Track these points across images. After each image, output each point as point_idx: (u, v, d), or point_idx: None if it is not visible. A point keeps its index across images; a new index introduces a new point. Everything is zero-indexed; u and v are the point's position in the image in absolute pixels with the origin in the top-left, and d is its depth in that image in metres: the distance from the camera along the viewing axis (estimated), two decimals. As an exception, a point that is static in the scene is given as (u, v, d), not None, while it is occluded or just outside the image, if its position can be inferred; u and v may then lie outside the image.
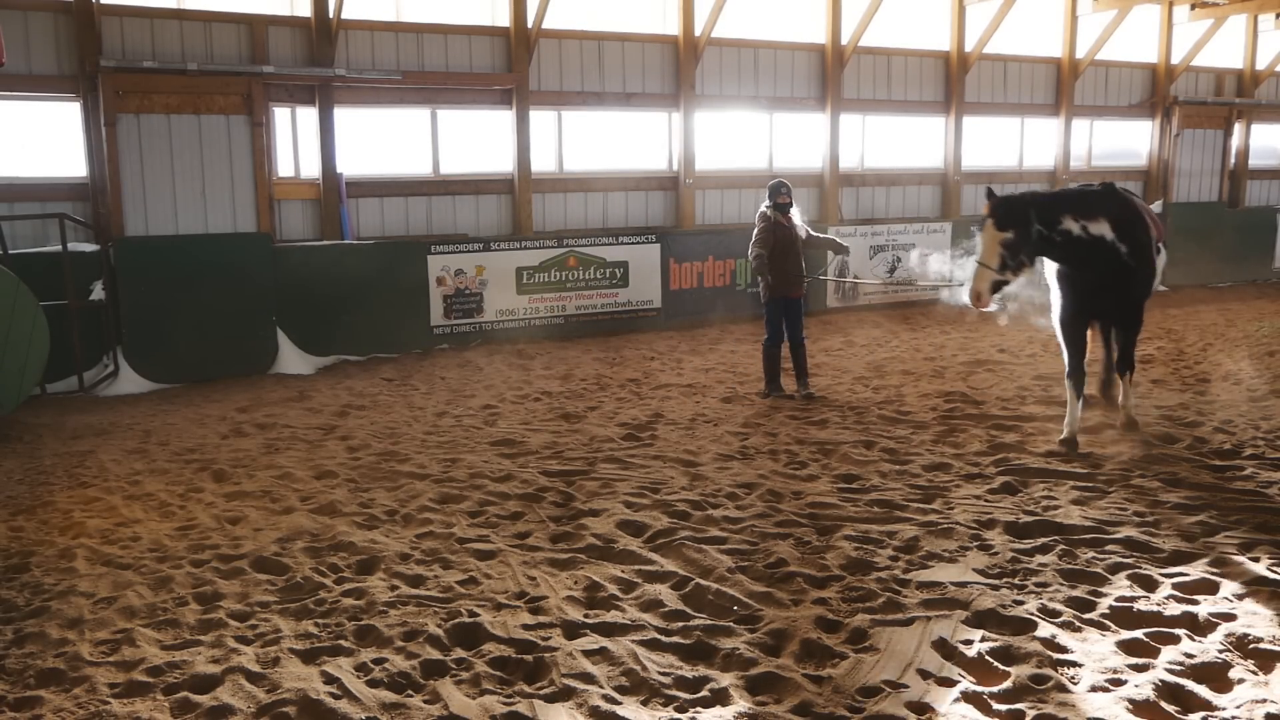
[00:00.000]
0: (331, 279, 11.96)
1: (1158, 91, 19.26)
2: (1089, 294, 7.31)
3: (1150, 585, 4.72)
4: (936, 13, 17.15)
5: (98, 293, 10.84)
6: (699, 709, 3.77)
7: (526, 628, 4.47)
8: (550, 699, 3.86)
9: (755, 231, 9.27)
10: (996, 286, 7.06)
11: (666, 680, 3.97)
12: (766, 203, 9.31)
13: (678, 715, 3.74)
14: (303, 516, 6.17)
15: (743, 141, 15.98)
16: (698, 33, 14.95)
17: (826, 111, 16.28)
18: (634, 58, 14.84)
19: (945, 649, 4.13)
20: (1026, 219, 6.98)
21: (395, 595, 4.88)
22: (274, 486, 6.87)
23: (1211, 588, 4.66)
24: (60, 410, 9.71)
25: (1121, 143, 19.59)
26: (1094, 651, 4.07)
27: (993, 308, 7.31)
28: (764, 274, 9.19)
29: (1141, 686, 3.76)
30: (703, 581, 4.90)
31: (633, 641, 4.29)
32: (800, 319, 9.46)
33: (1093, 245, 7.11)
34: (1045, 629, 4.28)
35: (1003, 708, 3.68)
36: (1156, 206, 7.88)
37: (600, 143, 14.95)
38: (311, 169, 12.94)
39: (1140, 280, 7.32)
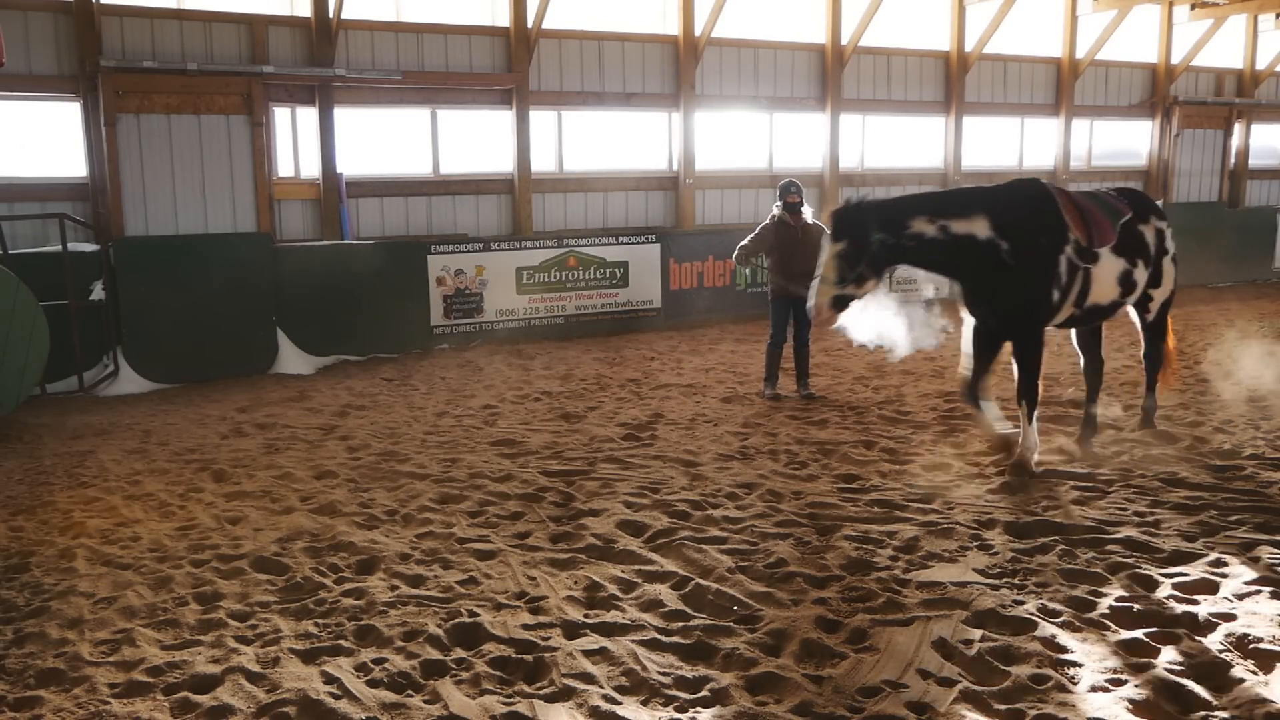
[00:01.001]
0: (331, 279, 11.95)
1: (1158, 91, 19.26)
2: (974, 303, 6.69)
3: (1150, 585, 4.72)
4: (936, 13, 17.15)
5: (98, 293, 10.83)
6: (699, 709, 3.77)
7: (526, 628, 4.47)
8: (550, 699, 3.86)
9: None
10: (838, 301, 6.46)
11: (666, 680, 3.97)
12: (778, 202, 9.32)
13: (678, 715, 3.74)
14: (303, 516, 6.17)
15: (743, 141, 15.98)
16: (698, 33, 14.95)
17: (826, 111, 16.28)
18: (634, 58, 14.85)
19: (945, 649, 4.13)
20: (863, 227, 6.35)
21: (395, 595, 4.88)
22: (274, 486, 6.87)
23: (1211, 588, 4.66)
24: (60, 410, 9.71)
25: (1121, 143, 19.60)
26: (1094, 651, 4.07)
27: (841, 323, 6.77)
28: (743, 264, 9.31)
29: (1141, 686, 3.76)
30: (703, 581, 4.90)
31: (633, 641, 4.29)
32: (807, 320, 9.38)
33: (956, 247, 6.40)
34: (1045, 629, 4.28)
35: (1003, 708, 3.68)
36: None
37: (600, 143, 14.96)
38: (311, 169, 12.95)
39: (1022, 285, 6.46)
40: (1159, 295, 7.30)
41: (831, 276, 6.42)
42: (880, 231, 6.39)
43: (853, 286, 6.44)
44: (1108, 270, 6.79)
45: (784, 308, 9.34)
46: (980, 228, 6.42)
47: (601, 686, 3.93)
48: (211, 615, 4.72)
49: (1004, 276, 6.47)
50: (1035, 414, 6.70)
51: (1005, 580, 4.84)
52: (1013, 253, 6.42)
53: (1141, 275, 7.02)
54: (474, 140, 14.04)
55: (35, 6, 11.36)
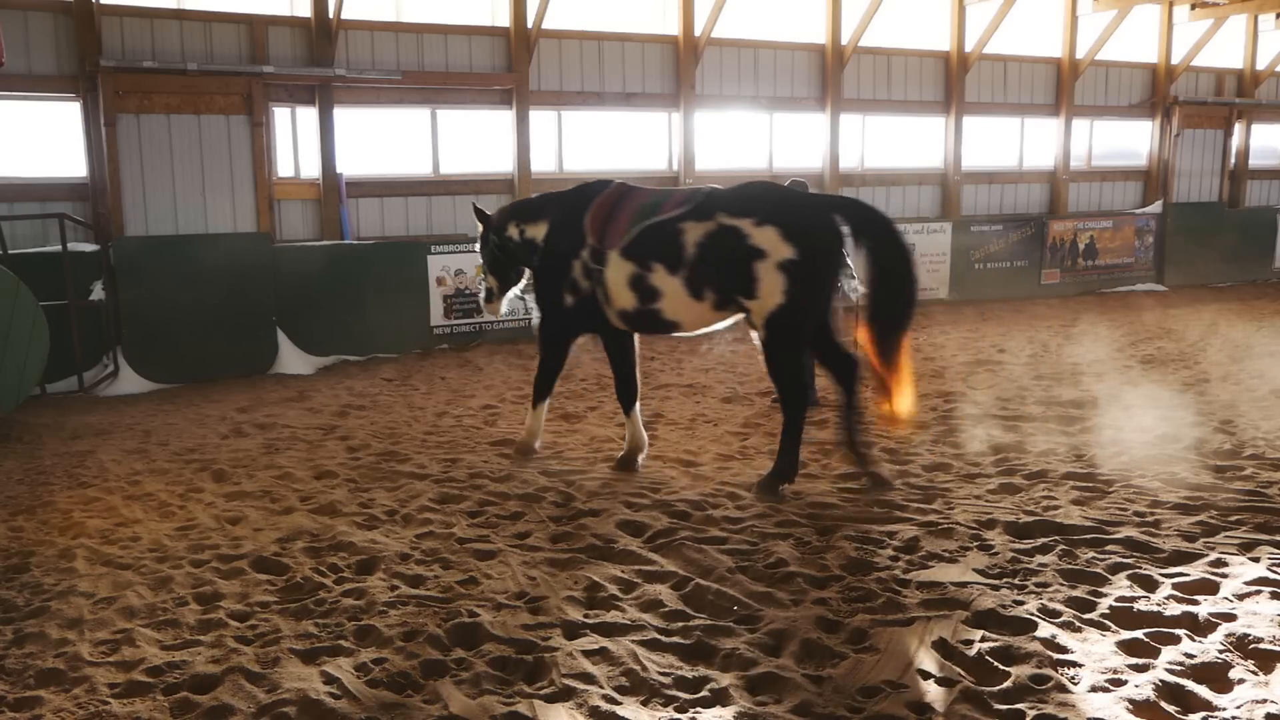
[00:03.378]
0: (331, 279, 11.96)
1: (1158, 91, 19.26)
2: None
3: (1150, 585, 4.72)
4: (936, 13, 17.15)
5: (98, 293, 10.83)
6: (699, 709, 3.77)
7: (526, 628, 4.47)
8: (550, 699, 3.86)
9: None
10: (487, 295, 7.63)
11: (666, 680, 3.96)
12: None
13: (678, 715, 3.73)
14: (303, 516, 6.17)
15: (743, 141, 15.98)
16: (698, 33, 14.95)
17: (826, 111, 16.28)
18: (634, 58, 14.84)
19: (945, 649, 4.13)
20: (486, 229, 7.35)
21: (395, 595, 4.88)
22: (274, 486, 6.87)
23: (1211, 588, 4.66)
24: (60, 410, 9.71)
25: (1121, 143, 19.60)
26: (1094, 651, 4.07)
27: (503, 312, 7.89)
28: None
29: (1141, 686, 3.76)
30: (703, 581, 4.89)
31: (633, 641, 4.29)
32: None
33: (526, 250, 7.13)
34: (1045, 629, 4.27)
35: (1003, 708, 3.67)
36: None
37: (600, 143, 14.95)
38: (311, 169, 12.95)
39: (540, 288, 7.02)
40: (758, 307, 6.16)
41: (483, 272, 7.58)
42: (493, 233, 7.29)
43: (493, 280, 7.51)
44: (616, 274, 6.49)
45: None
46: (541, 231, 6.98)
47: (601, 686, 3.93)
48: (211, 615, 4.72)
49: (536, 278, 7.16)
50: (542, 404, 7.35)
51: (1005, 580, 4.84)
52: (539, 255, 7.01)
53: (665, 282, 6.33)
54: (474, 140, 14.04)
55: (35, 6, 11.36)
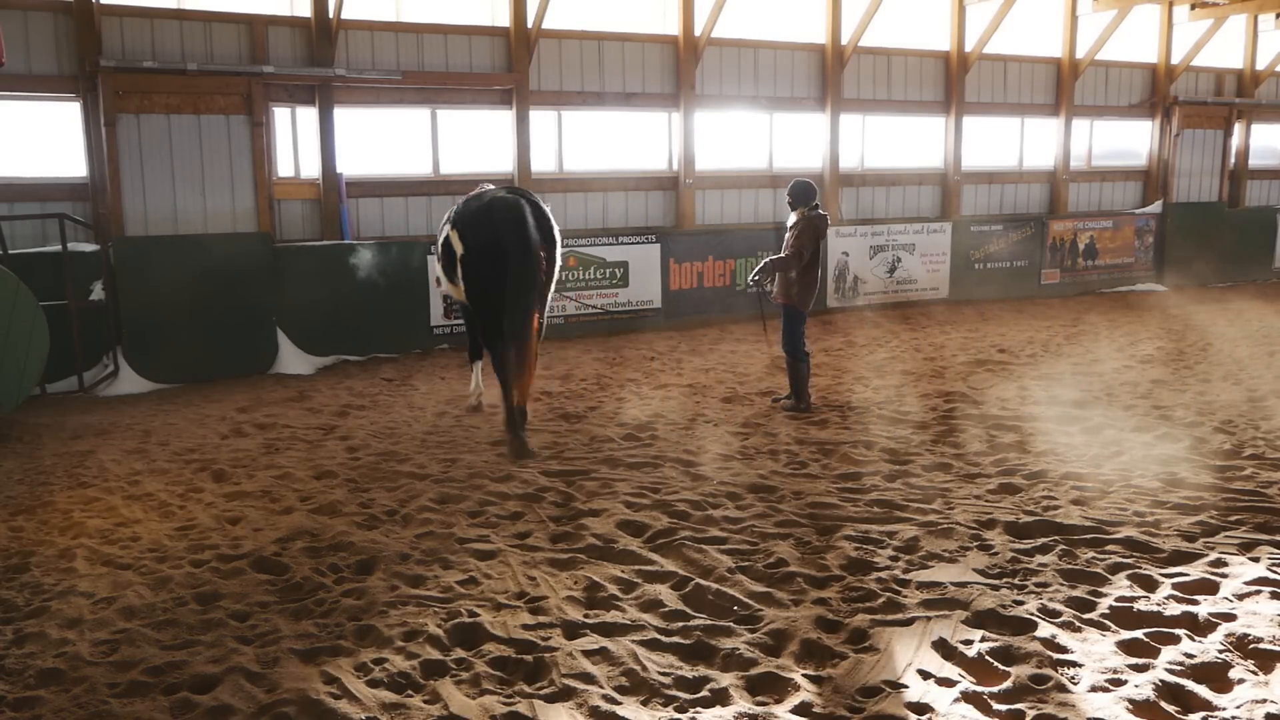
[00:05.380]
0: (331, 279, 11.95)
1: (1158, 91, 19.26)
2: None
3: (1150, 585, 4.72)
4: (936, 13, 17.15)
5: (98, 293, 10.83)
6: (699, 709, 3.77)
7: (526, 628, 4.47)
8: (550, 699, 3.86)
9: None
10: None
11: (666, 680, 3.97)
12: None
13: (678, 715, 3.74)
14: (302, 516, 6.17)
15: (743, 141, 15.97)
16: (698, 33, 14.94)
17: (826, 111, 16.27)
18: (634, 58, 14.83)
19: (945, 649, 4.13)
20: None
21: (395, 595, 4.88)
22: (274, 486, 6.87)
23: (1211, 588, 4.66)
24: (60, 410, 9.71)
25: (1121, 143, 19.58)
26: (1094, 651, 4.07)
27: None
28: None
29: (1141, 686, 3.76)
30: (703, 581, 4.90)
31: (633, 641, 4.29)
32: (783, 327, 8.95)
33: None
34: (1045, 629, 4.28)
35: (1003, 708, 3.68)
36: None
37: (600, 143, 14.93)
38: (311, 169, 12.94)
39: None
40: (461, 290, 8.15)
41: None
42: None
43: None
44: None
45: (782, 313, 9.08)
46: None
47: (601, 686, 3.93)
48: (211, 615, 4.72)
49: None
50: (476, 365, 9.29)
51: (1005, 580, 4.84)
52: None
53: (438, 269, 8.57)
54: (474, 140, 14.03)
55: (35, 6, 11.35)
